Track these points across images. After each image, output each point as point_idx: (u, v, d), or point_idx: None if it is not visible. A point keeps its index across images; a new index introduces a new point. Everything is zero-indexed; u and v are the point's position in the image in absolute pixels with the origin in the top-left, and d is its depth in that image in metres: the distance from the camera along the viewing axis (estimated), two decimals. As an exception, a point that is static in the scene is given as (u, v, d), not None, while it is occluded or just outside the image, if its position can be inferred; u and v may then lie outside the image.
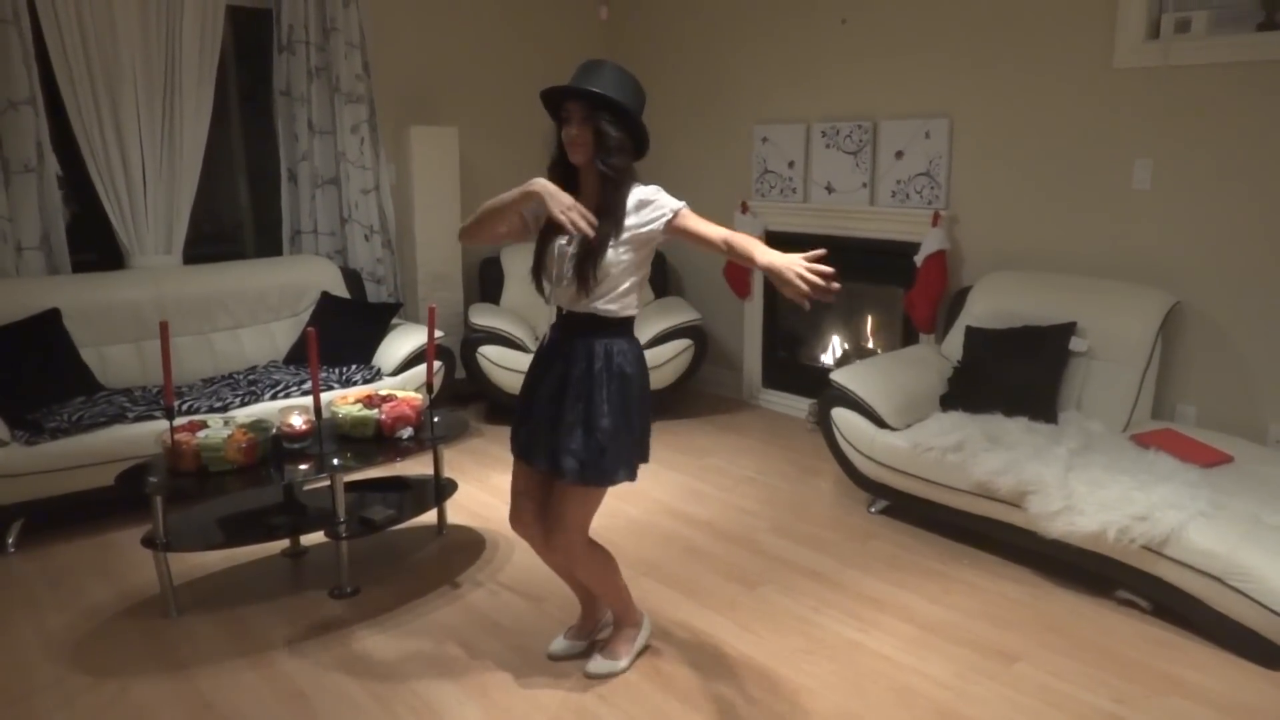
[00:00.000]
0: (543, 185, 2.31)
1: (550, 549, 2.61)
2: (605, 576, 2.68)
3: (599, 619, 2.89)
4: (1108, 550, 2.99)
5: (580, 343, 2.45)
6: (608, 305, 2.43)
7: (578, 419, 2.42)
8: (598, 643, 2.85)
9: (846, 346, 5.31)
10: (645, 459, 2.58)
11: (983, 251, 4.44)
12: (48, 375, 3.83)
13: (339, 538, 3.19)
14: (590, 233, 2.29)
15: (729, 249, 2.30)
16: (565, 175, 2.46)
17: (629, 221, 2.38)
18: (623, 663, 2.74)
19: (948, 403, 3.82)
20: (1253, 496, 3.00)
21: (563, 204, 2.28)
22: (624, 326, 2.49)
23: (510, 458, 2.65)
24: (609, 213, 2.37)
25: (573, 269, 2.38)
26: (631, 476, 2.50)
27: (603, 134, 2.33)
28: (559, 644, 2.85)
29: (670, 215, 2.37)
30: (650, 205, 2.39)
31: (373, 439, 3.34)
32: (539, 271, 2.52)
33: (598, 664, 2.73)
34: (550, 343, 2.54)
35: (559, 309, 2.51)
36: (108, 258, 4.55)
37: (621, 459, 2.46)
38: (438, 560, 3.51)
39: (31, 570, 3.43)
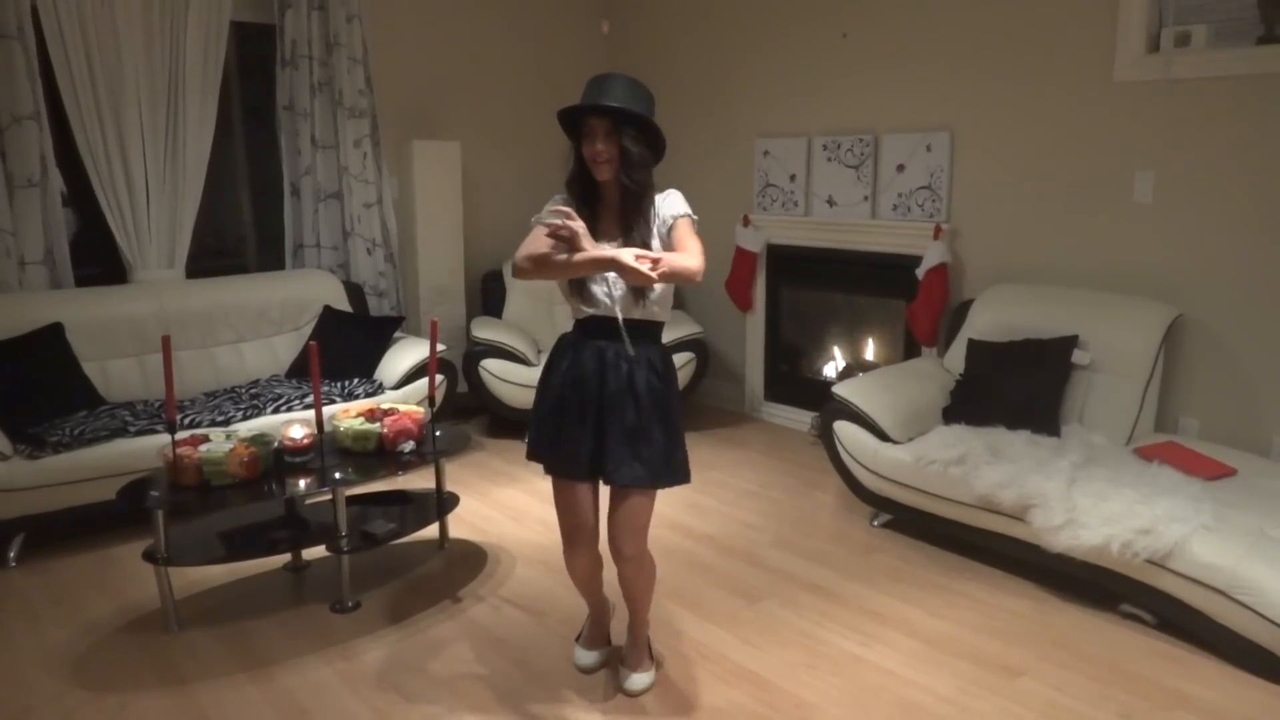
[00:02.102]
0: (616, 261, 2.26)
1: (623, 560, 2.53)
2: (653, 583, 2.68)
3: (610, 621, 2.91)
4: (1111, 564, 2.98)
5: (640, 346, 2.48)
6: (658, 309, 2.51)
7: (656, 421, 2.47)
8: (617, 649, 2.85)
9: (848, 360, 5.30)
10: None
11: (984, 264, 4.45)
12: (50, 389, 3.84)
13: (340, 552, 3.19)
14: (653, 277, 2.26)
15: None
16: (585, 190, 2.49)
17: (657, 211, 2.47)
18: (654, 668, 2.76)
19: (950, 416, 3.81)
20: (1256, 509, 2.99)
21: (638, 266, 2.24)
22: (661, 330, 2.59)
23: (519, 475, 2.64)
24: (637, 223, 2.44)
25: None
26: (689, 477, 2.60)
27: (626, 151, 2.38)
28: (590, 657, 2.82)
29: (670, 222, 2.46)
30: (667, 202, 2.49)
31: (374, 453, 3.34)
32: (582, 282, 2.47)
33: (640, 679, 2.70)
34: (599, 350, 2.48)
35: (614, 317, 2.47)
36: (111, 272, 4.56)
37: (684, 456, 2.56)
38: (439, 575, 3.50)
39: (32, 585, 3.43)
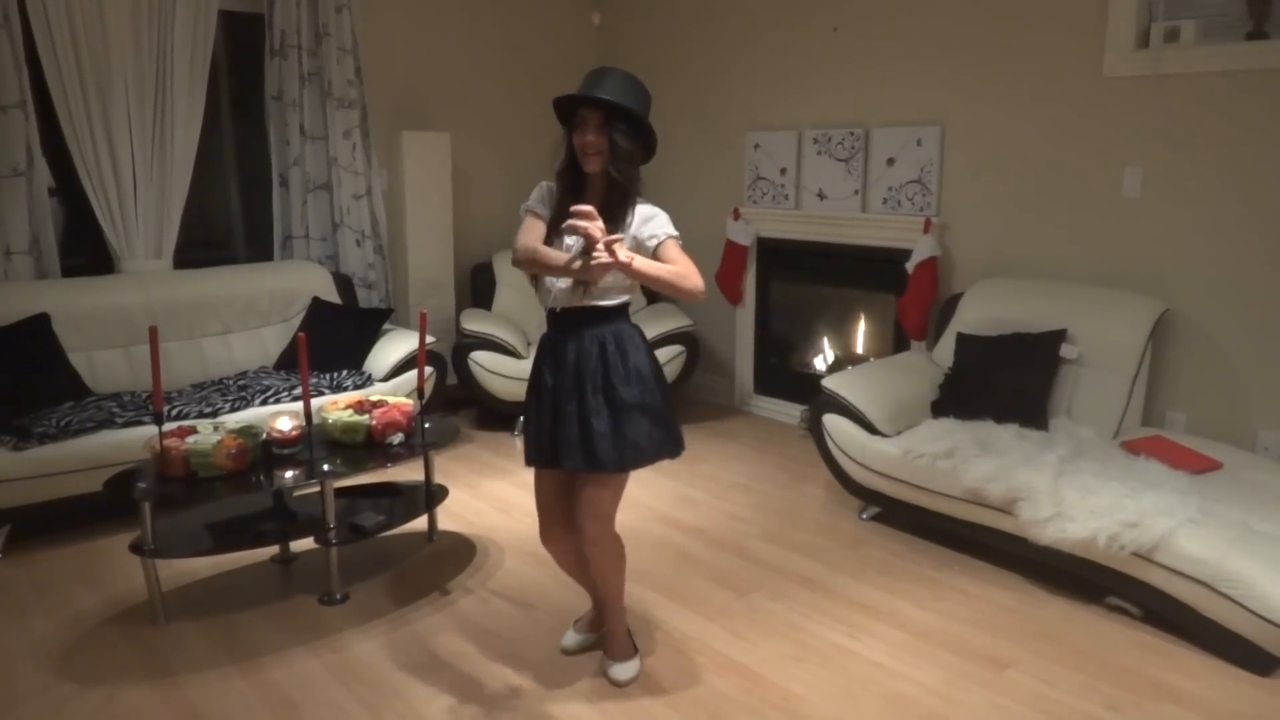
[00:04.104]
0: (596, 270, 2.28)
1: (585, 543, 2.57)
2: (621, 567, 2.70)
3: None
4: (1098, 557, 3.00)
5: (587, 333, 2.50)
6: (604, 299, 2.50)
7: (600, 406, 2.46)
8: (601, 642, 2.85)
9: (838, 353, 5.31)
10: (680, 438, 2.60)
11: (974, 258, 4.46)
12: (36, 380, 3.81)
13: (329, 544, 3.18)
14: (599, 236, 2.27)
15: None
16: (575, 180, 2.50)
17: (633, 231, 2.47)
18: (638, 658, 2.78)
19: (939, 409, 3.82)
20: (1242, 503, 3.01)
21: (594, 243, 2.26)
22: (621, 311, 2.56)
23: (508, 468, 2.65)
24: (613, 217, 2.44)
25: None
26: (673, 452, 2.57)
27: (615, 144, 2.40)
28: (572, 639, 2.89)
29: (661, 239, 2.47)
30: (651, 223, 2.49)
31: (363, 445, 3.33)
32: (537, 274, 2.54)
33: (623, 669, 2.72)
34: (551, 343, 2.55)
35: (555, 309, 2.52)
36: (97, 262, 4.53)
37: (653, 436, 2.51)
38: (428, 567, 3.50)
39: (18, 577, 3.41)
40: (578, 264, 2.32)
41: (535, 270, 2.47)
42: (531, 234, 2.48)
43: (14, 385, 3.72)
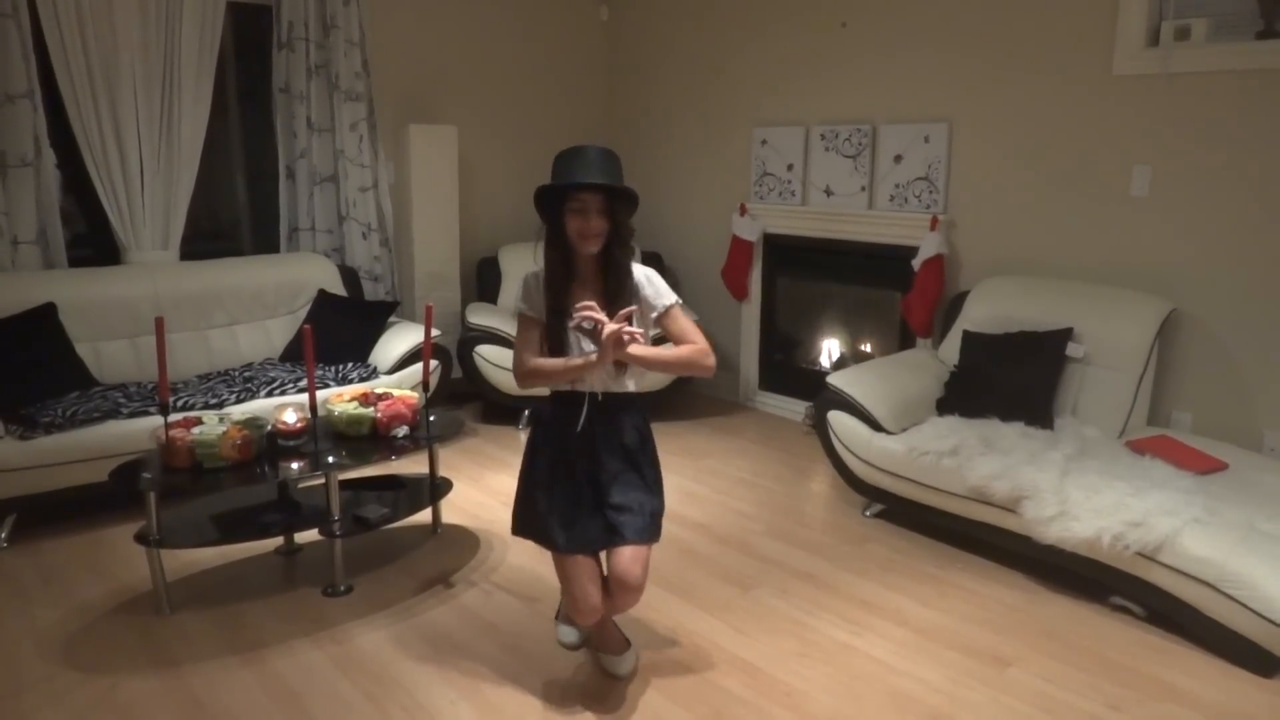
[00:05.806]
0: (611, 353, 2.33)
1: (635, 590, 2.53)
2: None
3: None
4: (1102, 556, 2.99)
5: (625, 418, 2.57)
6: (635, 379, 2.59)
7: (639, 482, 2.57)
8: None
9: (843, 350, 5.31)
10: None
11: (980, 256, 4.45)
12: (42, 370, 3.82)
13: (333, 536, 3.19)
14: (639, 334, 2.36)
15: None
16: (565, 263, 2.49)
17: (643, 293, 2.52)
18: (634, 649, 2.79)
19: (944, 407, 3.82)
20: (1247, 503, 3.00)
21: (615, 339, 2.31)
22: (639, 399, 2.65)
23: (512, 462, 2.64)
24: (622, 294, 2.47)
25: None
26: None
27: (620, 226, 2.44)
28: (570, 634, 2.80)
29: (669, 305, 2.54)
30: (654, 285, 2.55)
31: (368, 437, 3.33)
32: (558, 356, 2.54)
33: (623, 662, 2.72)
34: (590, 430, 2.53)
35: (596, 394, 2.53)
36: (104, 253, 4.54)
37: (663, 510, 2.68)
38: (432, 559, 3.51)
39: (23, 566, 3.42)
40: (594, 355, 2.36)
41: (553, 384, 2.50)
42: (529, 346, 2.49)
43: (20, 375, 3.73)
